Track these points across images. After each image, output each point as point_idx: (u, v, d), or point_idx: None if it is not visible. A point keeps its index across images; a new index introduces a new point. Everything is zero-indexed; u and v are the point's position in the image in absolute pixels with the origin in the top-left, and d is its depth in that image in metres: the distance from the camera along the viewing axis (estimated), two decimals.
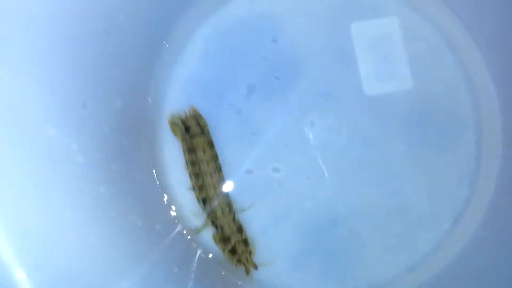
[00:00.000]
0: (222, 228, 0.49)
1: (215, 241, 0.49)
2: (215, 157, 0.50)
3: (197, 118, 0.50)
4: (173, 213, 0.49)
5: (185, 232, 0.48)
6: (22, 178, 0.25)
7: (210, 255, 0.50)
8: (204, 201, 0.49)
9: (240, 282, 0.49)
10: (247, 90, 0.52)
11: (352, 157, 0.51)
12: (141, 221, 0.39)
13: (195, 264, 0.45)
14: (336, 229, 0.51)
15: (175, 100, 0.51)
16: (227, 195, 0.50)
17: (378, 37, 0.52)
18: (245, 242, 0.49)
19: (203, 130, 0.50)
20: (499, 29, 0.48)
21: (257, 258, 0.50)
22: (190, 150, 0.49)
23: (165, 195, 0.48)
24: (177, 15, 0.49)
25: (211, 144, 0.50)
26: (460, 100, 0.52)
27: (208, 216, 0.49)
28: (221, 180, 0.50)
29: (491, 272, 0.43)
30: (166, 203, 0.48)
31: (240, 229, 0.49)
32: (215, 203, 0.49)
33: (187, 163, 0.49)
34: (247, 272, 0.49)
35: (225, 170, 0.51)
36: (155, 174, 0.49)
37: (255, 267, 0.49)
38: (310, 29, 0.52)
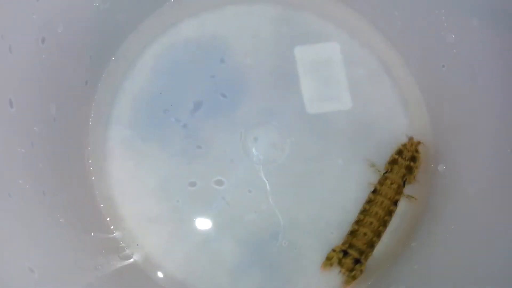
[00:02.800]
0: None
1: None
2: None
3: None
4: (108, 221, 0.49)
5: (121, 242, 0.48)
6: None
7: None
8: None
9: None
10: (194, 106, 0.54)
11: (294, 172, 0.53)
12: (65, 219, 0.39)
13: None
14: (277, 241, 0.52)
15: (121, 114, 0.52)
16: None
17: (320, 61, 0.56)
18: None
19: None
20: (427, 54, 0.51)
21: (198, 270, 0.50)
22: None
23: (102, 204, 0.49)
24: (126, 32, 0.51)
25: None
26: (396, 120, 0.54)
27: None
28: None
29: (422, 280, 0.45)
30: (102, 210, 0.48)
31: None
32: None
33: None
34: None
35: (169, 182, 0.52)
36: (94, 182, 0.49)
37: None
38: (257, 51, 0.55)
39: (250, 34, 0.55)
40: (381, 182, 0.51)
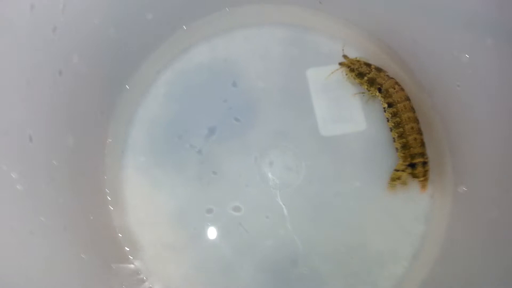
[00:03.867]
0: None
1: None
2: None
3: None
4: (127, 252, 0.48)
5: (140, 271, 0.47)
6: None
7: None
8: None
9: None
10: (208, 131, 0.53)
11: (311, 196, 0.52)
12: (87, 254, 0.39)
13: None
14: (296, 268, 0.50)
15: (137, 141, 0.52)
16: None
17: (333, 82, 0.55)
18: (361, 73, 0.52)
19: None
20: (441, 74, 0.51)
21: None
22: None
23: (120, 234, 0.48)
24: (139, 60, 0.51)
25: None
26: None
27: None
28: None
29: None
30: (121, 240, 0.48)
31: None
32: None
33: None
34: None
35: (186, 209, 0.51)
36: (111, 212, 0.49)
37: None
38: (268, 73, 0.55)
39: (261, 57, 0.56)
40: (387, 95, 0.52)
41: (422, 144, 0.51)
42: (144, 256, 0.50)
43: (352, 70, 0.53)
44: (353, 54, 0.55)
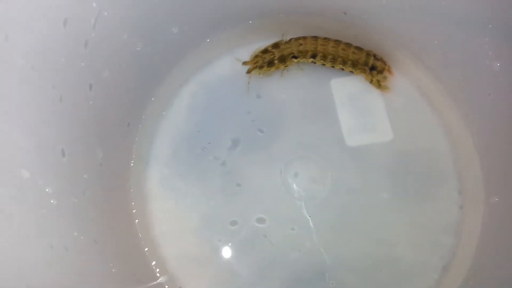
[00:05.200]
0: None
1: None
2: None
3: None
4: (154, 265, 0.48)
5: (166, 285, 0.47)
6: None
7: None
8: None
9: None
10: (232, 143, 0.53)
11: (337, 207, 0.51)
12: (117, 268, 0.39)
13: None
14: (323, 282, 0.50)
15: (160, 153, 0.52)
16: None
17: (357, 91, 0.55)
18: (271, 62, 0.52)
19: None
20: (471, 82, 0.50)
21: None
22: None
23: (146, 248, 0.48)
24: (164, 72, 0.51)
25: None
26: (440, 151, 0.53)
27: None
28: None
29: None
30: (147, 254, 0.47)
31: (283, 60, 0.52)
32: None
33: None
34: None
35: (210, 221, 0.51)
36: (137, 225, 0.48)
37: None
38: (292, 84, 0.55)
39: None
40: (303, 53, 0.52)
41: (358, 49, 0.52)
42: (169, 269, 0.49)
43: (261, 67, 0.52)
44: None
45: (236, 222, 0.51)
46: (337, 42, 0.52)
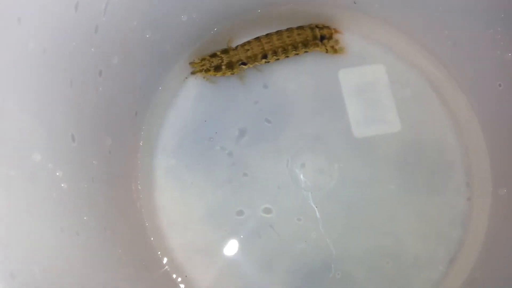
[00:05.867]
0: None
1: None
2: None
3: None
4: (160, 254, 0.48)
5: (173, 276, 0.47)
6: (7, 196, 0.25)
7: None
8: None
9: None
10: (239, 133, 0.53)
11: (344, 199, 0.51)
12: (125, 255, 0.39)
13: None
14: (329, 273, 0.49)
15: (167, 143, 0.52)
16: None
17: (366, 83, 0.54)
18: (219, 67, 0.51)
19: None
20: (481, 73, 0.50)
21: None
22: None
23: (152, 237, 0.48)
24: (172, 61, 0.51)
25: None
26: (449, 142, 0.52)
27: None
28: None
29: None
30: (153, 243, 0.47)
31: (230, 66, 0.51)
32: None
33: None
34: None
35: (216, 211, 0.51)
36: (144, 214, 0.48)
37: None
38: (300, 75, 0.54)
39: (292, 58, 0.55)
40: (252, 58, 0.52)
41: (300, 28, 0.52)
42: (176, 259, 0.49)
43: (207, 70, 0.52)
44: (389, 57, 0.53)
45: (243, 212, 0.51)
46: (279, 32, 0.52)
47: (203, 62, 0.51)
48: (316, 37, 0.52)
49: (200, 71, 0.52)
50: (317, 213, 0.51)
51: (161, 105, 0.52)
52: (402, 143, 0.52)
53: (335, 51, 0.53)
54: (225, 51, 0.52)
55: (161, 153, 0.52)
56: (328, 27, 0.53)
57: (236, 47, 0.52)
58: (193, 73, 0.52)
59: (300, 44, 0.52)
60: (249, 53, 0.51)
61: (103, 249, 0.35)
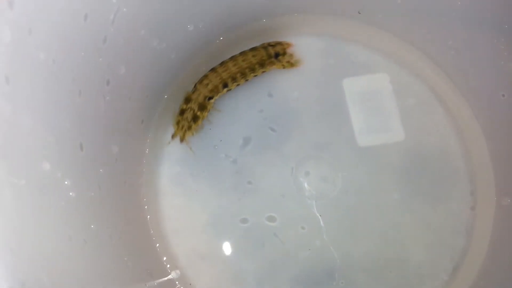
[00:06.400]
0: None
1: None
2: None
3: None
4: (165, 261, 0.48)
5: (176, 283, 0.47)
6: (16, 204, 0.26)
7: None
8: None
9: None
10: (243, 141, 0.53)
11: (347, 207, 0.51)
12: (131, 262, 0.39)
13: None
14: (333, 281, 0.50)
15: (172, 150, 0.52)
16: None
17: (370, 92, 0.55)
18: (195, 116, 0.50)
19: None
20: (484, 83, 0.50)
21: None
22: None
23: (157, 244, 0.48)
24: (178, 70, 0.52)
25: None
26: (452, 151, 0.53)
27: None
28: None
29: None
30: (158, 250, 0.48)
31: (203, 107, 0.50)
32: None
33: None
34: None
35: (220, 219, 0.51)
36: (149, 221, 0.49)
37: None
38: (304, 83, 0.55)
39: (296, 68, 0.55)
40: (214, 90, 0.51)
41: (254, 49, 0.52)
42: (180, 266, 0.49)
43: (189, 128, 0.51)
44: (393, 67, 0.54)
45: (247, 220, 0.51)
46: (233, 58, 0.51)
47: (181, 124, 0.51)
48: (271, 55, 0.52)
49: (184, 133, 0.51)
50: (321, 222, 0.51)
51: (167, 113, 0.52)
52: (406, 152, 0.53)
53: (291, 65, 0.53)
54: (187, 100, 0.51)
55: (166, 160, 0.52)
56: (280, 43, 0.53)
57: (195, 86, 0.51)
58: (182, 140, 0.52)
59: (257, 65, 0.52)
60: (210, 87, 0.50)
61: (109, 256, 0.35)
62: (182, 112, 0.51)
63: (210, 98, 0.51)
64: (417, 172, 0.52)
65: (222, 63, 0.51)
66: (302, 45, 0.55)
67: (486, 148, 0.51)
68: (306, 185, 0.52)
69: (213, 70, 0.51)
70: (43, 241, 0.27)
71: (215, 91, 0.51)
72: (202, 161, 0.53)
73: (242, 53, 0.52)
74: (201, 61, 0.53)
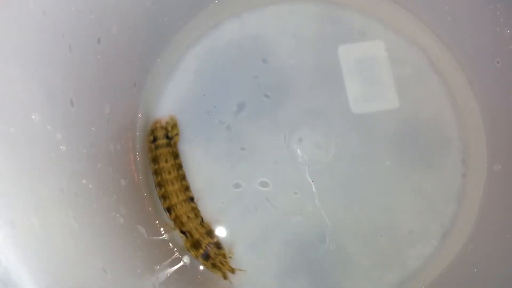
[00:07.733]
0: (190, 234, 0.47)
1: (188, 249, 0.47)
2: (178, 166, 0.49)
3: (167, 129, 0.50)
4: (157, 225, 0.49)
5: (170, 244, 0.47)
6: (7, 151, 0.26)
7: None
8: (168, 210, 0.48)
9: None
10: (237, 107, 0.53)
11: (340, 173, 0.52)
12: (124, 220, 0.39)
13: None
14: (324, 245, 0.50)
15: (165, 114, 0.52)
16: (192, 202, 0.49)
17: (365, 59, 0.54)
18: (217, 245, 0.48)
19: (170, 142, 0.49)
20: (480, 50, 0.50)
21: (243, 273, 0.49)
22: (154, 160, 0.49)
23: (150, 208, 0.49)
24: (171, 33, 0.51)
25: (175, 155, 0.49)
26: (446, 119, 0.53)
27: (175, 224, 0.48)
28: (184, 188, 0.49)
29: (479, 283, 0.43)
30: (152, 213, 0.48)
31: (210, 233, 0.48)
32: (180, 210, 0.48)
33: (152, 174, 0.49)
34: (224, 276, 0.47)
35: (214, 184, 0.51)
36: (141, 181, 0.49)
37: (232, 270, 0.47)
38: (299, 50, 0.54)
39: (292, 34, 0.55)
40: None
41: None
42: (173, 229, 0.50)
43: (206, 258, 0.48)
44: (389, 34, 0.53)
45: (240, 185, 0.51)
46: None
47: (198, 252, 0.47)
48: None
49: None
50: (313, 187, 0.51)
51: (160, 77, 0.52)
52: (400, 120, 0.53)
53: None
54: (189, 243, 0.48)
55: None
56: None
57: (175, 222, 0.48)
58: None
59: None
60: (185, 228, 0.48)
61: (100, 211, 0.36)
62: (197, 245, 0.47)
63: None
64: (410, 140, 0.52)
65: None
66: (297, 10, 0.55)
67: (479, 116, 0.51)
68: (299, 151, 0.52)
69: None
70: (34, 189, 0.27)
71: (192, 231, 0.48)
72: (195, 126, 0.53)
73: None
74: (194, 26, 0.53)
